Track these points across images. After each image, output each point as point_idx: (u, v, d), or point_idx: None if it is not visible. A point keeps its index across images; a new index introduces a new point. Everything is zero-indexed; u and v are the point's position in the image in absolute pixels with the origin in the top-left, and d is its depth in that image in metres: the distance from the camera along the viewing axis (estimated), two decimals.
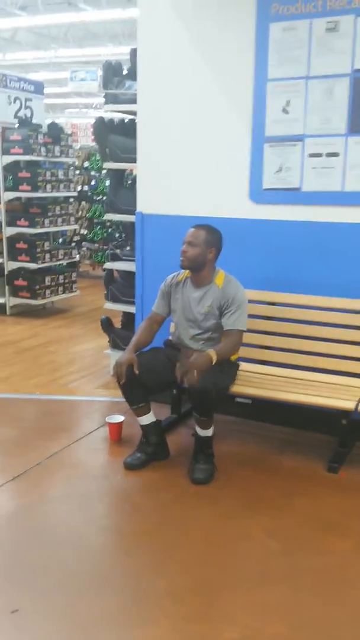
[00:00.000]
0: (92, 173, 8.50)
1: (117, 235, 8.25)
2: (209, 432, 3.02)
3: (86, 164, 8.57)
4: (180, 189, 3.73)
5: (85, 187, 8.44)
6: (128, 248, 4.63)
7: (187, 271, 3.12)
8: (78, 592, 2.19)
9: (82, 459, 3.25)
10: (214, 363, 2.82)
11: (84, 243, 8.54)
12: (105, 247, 8.25)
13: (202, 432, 3.02)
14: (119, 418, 3.40)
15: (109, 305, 4.45)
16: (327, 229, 3.37)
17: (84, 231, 8.48)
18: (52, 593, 2.18)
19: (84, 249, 8.59)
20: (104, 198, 7.95)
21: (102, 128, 4.35)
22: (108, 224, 8.33)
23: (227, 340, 3.01)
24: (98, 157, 8.35)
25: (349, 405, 2.94)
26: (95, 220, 8.46)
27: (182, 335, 3.17)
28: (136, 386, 3.03)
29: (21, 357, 4.92)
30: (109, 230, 8.39)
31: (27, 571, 2.29)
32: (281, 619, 2.06)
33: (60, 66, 13.11)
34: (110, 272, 4.48)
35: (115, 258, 4.47)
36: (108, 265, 4.48)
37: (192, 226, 3.07)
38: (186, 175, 3.70)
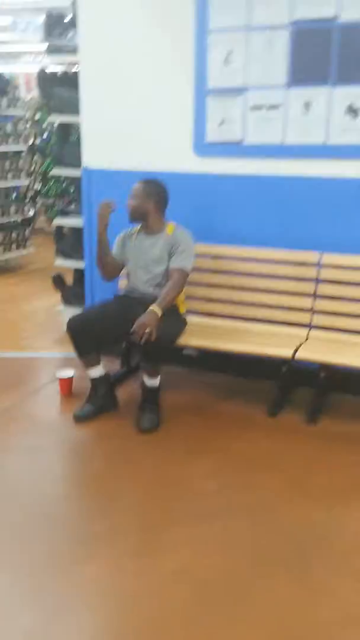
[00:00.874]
0: (45, 125, 8.27)
1: (72, 190, 8.11)
2: (155, 382, 3.14)
3: (38, 116, 8.34)
4: (125, 143, 3.72)
5: (38, 141, 8.23)
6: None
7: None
8: (27, 536, 2.30)
9: (33, 412, 3.34)
10: (160, 314, 2.92)
11: (38, 198, 8.39)
12: (60, 202, 8.12)
13: (149, 382, 3.13)
14: (69, 373, 3.47)
15: (60, 262, 4.46)
16: (269, 182, 3.43)
17: (38, 186, 8.31)
18: (1, 538, 2.29)
19: (39, 204, 8.45)
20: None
21: (46, 80, 4.26)
22: (62, 178, 8.17)
23: (169, 282, 3.14)
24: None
25: (288, 353, 3.07)
26: (49, 175, 8.28)
27: (136, 282, 3.30)
28: (87, 337, 3.13)
29: None
30: (64, 184, 8.24)
31: None
32: (217, 550, 2.22)
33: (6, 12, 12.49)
34: (59, 228, 4.47)
35: (64, 214, 4.46)
36: (57, 221, 4.46)
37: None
38: (131, 129, 3.69)
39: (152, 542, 2.27)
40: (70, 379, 3.46)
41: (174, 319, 3.24)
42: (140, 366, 3.16)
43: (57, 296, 4.78)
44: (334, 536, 2.29)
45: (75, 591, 2.03)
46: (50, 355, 4.11)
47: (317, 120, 3.29)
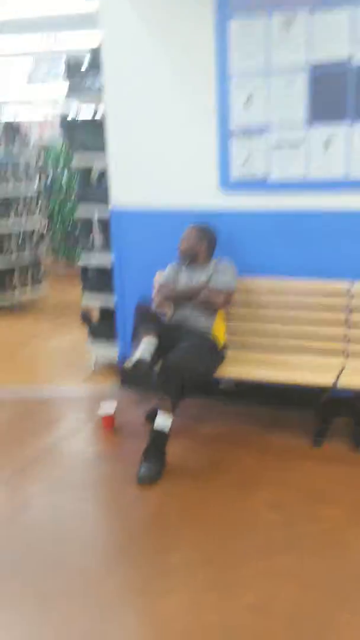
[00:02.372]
0: (49, 169, 8.47)
1: (76, 231, 8.27)
2: (166, 425, 2.96)
3: (42, 160, 8.52)
4: (152, 183, 3.82)
5: (42, 184, 8.40)
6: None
7: None
8: (97, 573, 2.30)
9: (79, 449, 3.35)
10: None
11: (44, 240, 8.51)
12: (65, 242, 8.33)
13: (159, 422, 2.97)
14: (111, 409, 3.48)
15: (87, 299, 4.52)
16: (295, 216, 3.53)
17: (43, 228, 8.46)
18: (72, 576, 2.28)
19: (45, 245, 8.56)
20: (64, 194, 8.07)
21: (69, 125, 4.38)
22: (67, 220, 8.36)
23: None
24: (52, 154, 8.36)
25: (329, 380, 3.11)
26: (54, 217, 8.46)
27: (179, 311, 3.43)
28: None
29: None
30: (69, 226, 8.41)
31: (45, 559, 2.39)
32: (291, 582, 2.22)
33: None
34: (85, 267, 4.54)
35: (89, 252, 4.54)
36: (83, 260, 4.54)
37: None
38: (157, 169, 3.79)
39: (224, 575, 2.27)
40: (112, 416, 3.47)
41: (212, 351, 3.30)
42: (157, 401, 3.06)
43: (76, 333, 4.85)
44: None
45: (158, 626, 2.02)
46: (85, 393, 4.13)
47: (337, 155, 3.41)
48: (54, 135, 8.79)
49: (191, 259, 3.46)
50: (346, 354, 3.39)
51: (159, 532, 2.57)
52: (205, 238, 3.47)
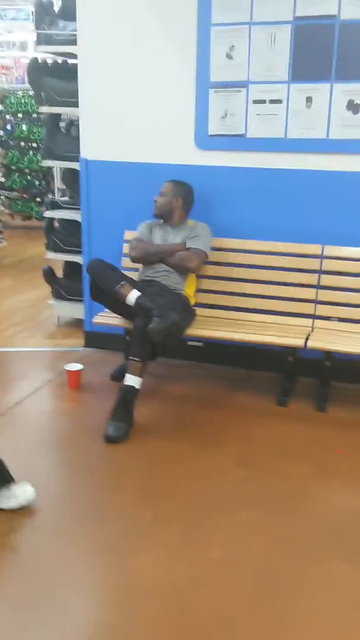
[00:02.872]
0: (7, 117, 8.09)
1: (37, 183, 8.00)
2: (136, 382, 2.96)
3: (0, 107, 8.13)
4: (125, 135, 3.70)
5: (0, 132, 8.04)
6: (67, 197, 4.53)
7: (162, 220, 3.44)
8: (67, 529, 2.29)
9: (46, 407, 3.30)
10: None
11: (1, 191, 8.20)
12: (25, 195, 8.03)
13: (129, 380, 2.95)
14: (78, 366, 3.44)
15: (51, 255, 4.39)
16: (271, 175, 3.49)
17: (1, 179, 8.12)
18: (42, 533, 2.26)
19: (2, 197, 8.25)
20: (29, 144, 7.78)
21: (37, 70, 4.18)
22: (27, 171, 8.05)
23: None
24: (13, 100, 7.98)
25: (299, 342, 3.15)
26: (13, 167, 8.12)
27: (151, 270, 3.38)
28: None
29: None
30: (28, 177, 8.11)
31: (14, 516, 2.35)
32: (260, 537, 2.26)
33: None
34: (50, 220, 4.40)
35: (55, 206, 4.39)
36: (48, 213, 4.39)
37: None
38: (131, 121, 3.67)
39: (194, 530, 2.29)
40: (78, 372, 3.42)
41: (183, 310, 3.28)
42: (128, 360, 3.05)
43: (38, 290, 4.72)
44: None
45: (129, 582, 2.03)
46: (48, 349, 4.05)
47: (318, 115, 3.37)
48: (13, 80, 8.37)
49: (166, 215, 3.39)
50: (314, 316, 3.42)
51: (129, 489, 2.56)
52: (181, 194, 3.39)
